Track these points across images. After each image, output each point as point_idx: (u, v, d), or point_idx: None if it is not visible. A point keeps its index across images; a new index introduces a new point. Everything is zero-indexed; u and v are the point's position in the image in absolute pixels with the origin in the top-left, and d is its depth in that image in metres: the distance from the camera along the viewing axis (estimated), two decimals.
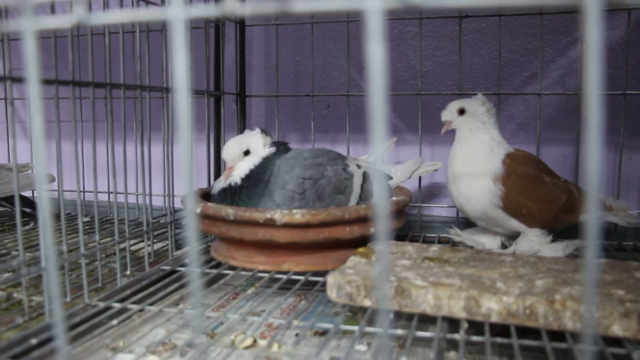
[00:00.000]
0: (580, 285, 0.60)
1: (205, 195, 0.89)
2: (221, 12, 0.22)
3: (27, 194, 1.26)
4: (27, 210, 1.19)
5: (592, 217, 0.22)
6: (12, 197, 1.16)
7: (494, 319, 0.57)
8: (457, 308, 0.59)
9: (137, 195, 1.09)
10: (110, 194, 0.79)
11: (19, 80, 0.60)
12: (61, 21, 0.25)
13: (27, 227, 1.13)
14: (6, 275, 0.81)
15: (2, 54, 0.59)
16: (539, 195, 0.84)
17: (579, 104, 1.03)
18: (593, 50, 0.22)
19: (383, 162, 1.08)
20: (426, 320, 0.63)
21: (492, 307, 0.57)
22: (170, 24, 0.22)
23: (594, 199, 0.24)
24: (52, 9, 0.72)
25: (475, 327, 0.59)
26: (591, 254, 0.23)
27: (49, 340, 0.60)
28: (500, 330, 0.59)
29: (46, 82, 0.66)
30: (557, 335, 0.56)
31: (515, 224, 0.86)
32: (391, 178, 0.94)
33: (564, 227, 0.90)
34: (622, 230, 1.01)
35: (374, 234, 0.80)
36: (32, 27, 0.24)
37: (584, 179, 1.00)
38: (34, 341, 0.59)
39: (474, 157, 0.87)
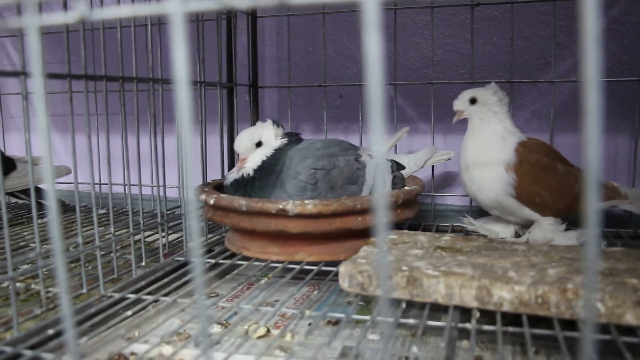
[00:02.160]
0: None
1: (219, 187, 0.90)
2: (221, 5, 0.22)
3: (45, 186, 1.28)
4: (44, 202, 1.20)
5: (592, 207, 0.22)
6: (30, 189, 1.18)
7: (506, 308, 0.57)
8: (468, 297, 0.59)
9: (151, 187, 1.10)
10: (125, 186, 0.80)
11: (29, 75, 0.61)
12: (64, 17, 0.25)
13: (44, 220, 1.15)
14: (24, 267, 0.82)
15: (19, 49, 0.60)
16: (552, 183, 0.84)
17: None
18: (591, 37, 0.21)
19: (396, 152, 1.08)
20: (438, 310, 0.63)
21: (504, 296, 0.57)
22: (170, 18, 0.22)
23: (594, 187, 0.24)
24: (65, 5, 0.73)
25: (487, 316, 0.59)
26: (592, 242, 0.22)
27: (65, 330, 0.60)
28: (512, 319, 0.59)
29: (59, 76, 0.66)
30: (570, 324, 0.56)
31: (528, 213, 0.85)
32: (404, 167, 0.94)
33: (577, 216, 0.89)
34: (637, 219, 1.00)
35: (376, 226, 0.79)
36: (36, 23, 0.24)
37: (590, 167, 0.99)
38: (50, 332, 0.60)
39: (486, 146, 0.86)
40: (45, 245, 0.94)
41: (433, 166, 1.08)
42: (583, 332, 0.22)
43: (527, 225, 0.90)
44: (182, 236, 0.98)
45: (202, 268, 0.26)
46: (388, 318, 0.25)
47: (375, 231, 0.77)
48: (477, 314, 0.59)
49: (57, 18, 0.26)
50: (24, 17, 0.25)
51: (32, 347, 0.57)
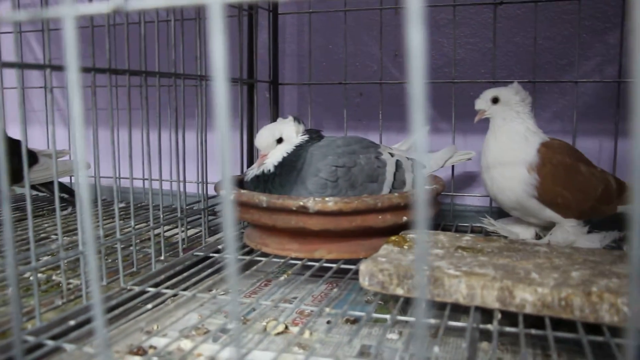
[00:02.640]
0: (618, 278, 0.58)
1: (239, 183, 0.90)
2: None
3: (65, 180, 1.29)
4: (65, 196, 1.21)
5: (636, 209, 0.21)
6: (51, 183, 1.18)
7: (528, 310, 0.56)
8: (490, 298, 0.58)
9: (171, 182, 1.10)
10: (145, 181, 0.80)
11: (58, 68, 0.61)
12: (100, 7, 0.25)
13: (65, 212, 1.16)
14: (45, 258, 0.83)
15: (42, 42, 0.60)
16: (575, 184, 0.82)
17: (617, 92, 1.00)
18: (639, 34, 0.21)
19: (416, 150, 1.07)
20: (459, 310, 0.62)
21: (526, 298, 0.56)
22: (208, 8, 0.21)
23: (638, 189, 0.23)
24: None
25: (509, 318, 0.58)
26: (636, 246, 0.22)
27: (86, 322, 0.61)
28: (535, 321, 0.58)
29: (84, 70, 0.66)
30: (593, 328, 0.55)
31: (550, 214, 0.84)
32: (424, 167, 0.93)
33: (600, 218, 0.87)
34: None
35: (408, 222, 0.79)
36: (72, 13, 0.24)
37: (622, 169, 0.97)
38: (72, 322, 0.60)
39: (508, 146, 0.85)
40: (66, 238, 0.94)
41: (453, 166, 1.07)
42: (628, 339, 0.21)
43: (547, 227, 0.89)
44: (200, 231, 0.98)
45: (236, 265, 0.25)
46: (419, 318, 0.25)
47: (413, 228, 0.76)
48: (499, 315, 0.58)
49: (93, 8, 0.25)
50: (59, 7, 0.25)
51: (54, 338, 0.57)
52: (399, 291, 0.62)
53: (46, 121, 1.25)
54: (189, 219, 0.93)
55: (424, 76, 0.21)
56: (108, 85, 0.69)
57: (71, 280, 0.75)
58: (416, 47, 0.20)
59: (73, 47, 0.24)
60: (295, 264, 0.79)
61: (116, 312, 0.65)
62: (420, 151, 0.22)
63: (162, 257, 0.84)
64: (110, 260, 0.84)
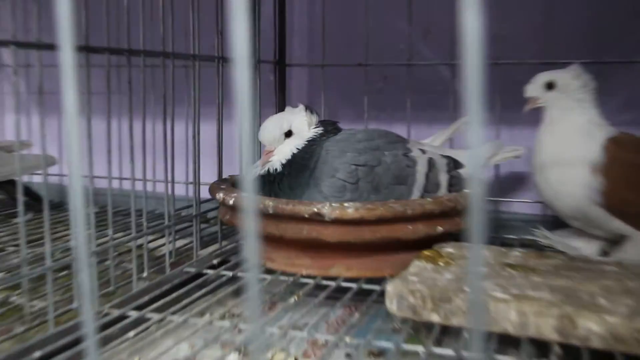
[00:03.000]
0: None
1: (237, 184, 0.89)
2: None
3: (26, 178, 1.27)
4: (25, 198, 1.19)
5: None
6: (8, 182, 1.15)
7: (595, 343, 0.55)
8: (546, 328, 0.57)
9: (153, 182, 1.10)
10: (126, 181, 0.79)
11: (24, 45, 0.61)
12: None
13: (23, 219, 1.14)
14: (1, 275, 0.81)
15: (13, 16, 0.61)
16: None
17: None
18: None
19: (452, 146, 1.06)
20: (506, 342, 0.61)
21: (592, 329, 0.55)
22: None
23: None
24: None
25: (570, 352, 0.57)
26: None
27: (54, 353, 0.60)
28: (602, 358, 0.57)
29: (54, 47, 0.66)
30: None
31: (619, 226, 0.83)
32: (463, 166, 0.92)
33: None
34: None
35: (444, 234, 0.78)
36: None
37: None
38: (37, 354, 0.60)
39: (566, 142, 0.85)
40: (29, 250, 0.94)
41: (498, 165, 1.06)
42: None
43: (616, 241, 0.88)
44: (191, 242, 0.97)
45: (258, 286, 0.25)
46: (479, 354, 0.24)
47: (436, 241, 0.75)
48: (558, 350, 0.57)
49: None
50: None
51: None
52: (435, 317, 0.61)
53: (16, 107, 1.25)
54: (177, 228, 0.93)
55: (482, 62, 0.20)
56: (85, 66, 0.69)
57: (34, 302, 0.74)
58: (473, 28, 0.19)
59: (67, 21, 0.24)
60: (307, 284, 0.79)
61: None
62: (473, 147, 0.21)
63: (145, 274, 0.83)
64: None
